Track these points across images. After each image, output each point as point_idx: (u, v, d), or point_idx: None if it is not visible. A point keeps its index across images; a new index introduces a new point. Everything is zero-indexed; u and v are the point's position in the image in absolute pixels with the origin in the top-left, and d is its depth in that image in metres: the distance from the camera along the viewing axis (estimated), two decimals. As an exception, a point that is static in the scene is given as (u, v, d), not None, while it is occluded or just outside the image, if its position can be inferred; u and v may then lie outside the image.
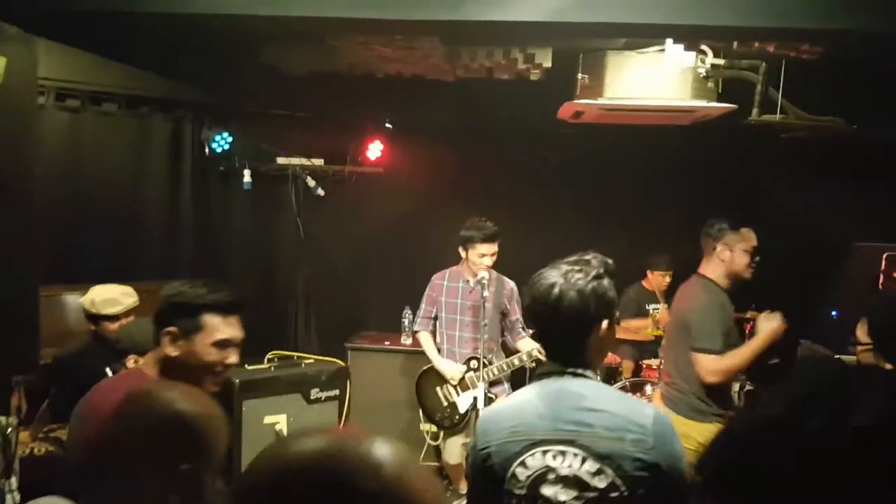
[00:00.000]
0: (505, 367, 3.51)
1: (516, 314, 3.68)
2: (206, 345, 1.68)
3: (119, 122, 4.44)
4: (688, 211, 5.55)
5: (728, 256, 2.94)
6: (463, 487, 4.03)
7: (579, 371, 1.54)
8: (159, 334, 1.68)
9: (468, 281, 3.62)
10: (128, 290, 3.50)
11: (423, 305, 3.80)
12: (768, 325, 2.79)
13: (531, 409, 1.54)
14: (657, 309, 5.15)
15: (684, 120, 4.87)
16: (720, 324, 2.77)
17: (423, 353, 4.37)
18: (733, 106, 3.91)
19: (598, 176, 5.37)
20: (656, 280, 5.08)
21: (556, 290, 1.54)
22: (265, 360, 4.28)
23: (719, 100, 3.93)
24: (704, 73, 3.70)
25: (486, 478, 1.56)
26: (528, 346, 3.58)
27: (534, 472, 1.49)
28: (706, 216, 5.64)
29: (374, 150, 5.19)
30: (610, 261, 1.65)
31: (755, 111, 4.17)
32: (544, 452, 1.49)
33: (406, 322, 4.51)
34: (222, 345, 1.70)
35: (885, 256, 4.41)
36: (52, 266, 4.06)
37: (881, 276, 4.29)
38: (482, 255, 3.48)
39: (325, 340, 5.08)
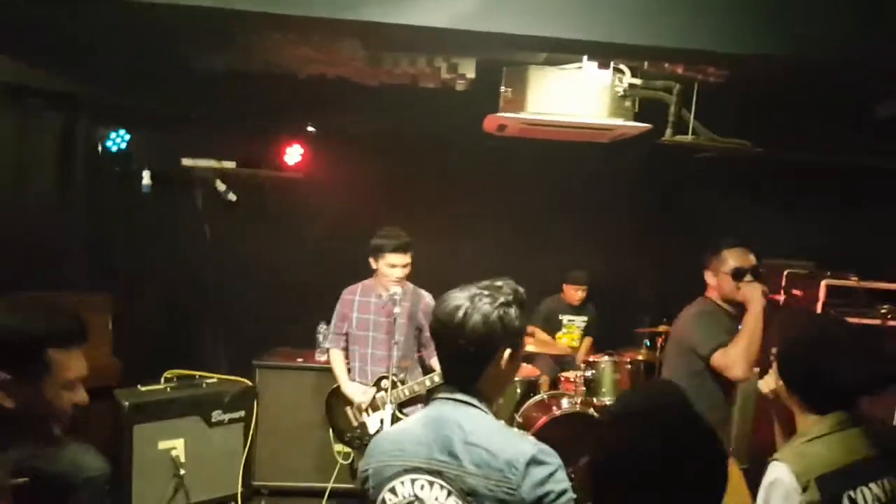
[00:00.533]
0: (416, 388, 3.38)
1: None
2: (55, 388, 1.40)
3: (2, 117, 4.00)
4: (605, 226, 5.65)
5: (714, 282, 2.93)
6: None
7: (467, 399, 1.50)
8: None
9: (381, 295, 3.48)
10: None
11: (333, 321, 3.64)
12: (754, 290, 2.73)
13: (412, 434, 1.52)
14: (573, 321, 5.22)
15: (604, 137, 4.93)
16: (717, 325, 2.77)
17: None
18: (648, 126, 3.97)
19: (521, 189, 5.35)
20: (570, 294, 5.18)
21: (461, 312, 1.50)
22: (162, 379, 3.96)
23: (636, 119, 3.98)
24: (622, 92, 3.74)
25: (365, 500, 1.58)
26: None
27: (401, 500, 1.48)
28: (623, 231, 5.84)
29: (293, 154, 4.95)
30: (521, 290, 1.60)
31: (668, 131, 4.25)
32: (413, 481, 1.47)
33: (320, 338, 4.30)
34: (71, 385, 1.44)
35: (785, 273, 4.56)
36: None
37: (781, 293, 4.42)
38: (392, 266, 3.35)
39: (235, 358, 4.77)
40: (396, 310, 3.16)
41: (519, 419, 4.58)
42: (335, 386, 3.60)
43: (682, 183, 5.51)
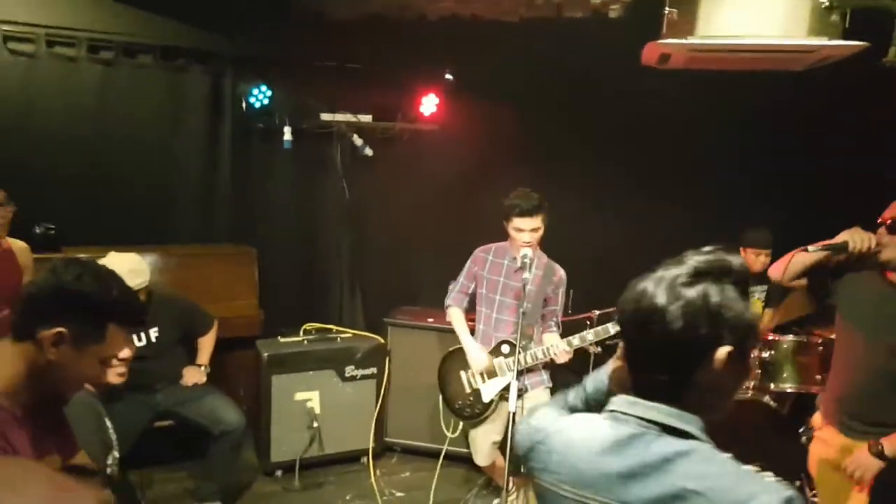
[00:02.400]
0: (540, 356, 3.16)
1: (556, 304, 3.33)
2: (99, 358, 1.38)
3: (154, 75, 4.29)
4: (796, 176, 4.88)
5: None
6: (501, 480, 3.72)
7: (670, 422, 1.10)
8: (31, 327, 1.32)
9: (514, 258, 3.26)
10: (138, 257, 3.35)
11: (460, 279, 3.48)
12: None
13: (589, 458, 1.14)
14: (753, 291, 4.54)
15: (797, 64, 4.18)
16: None
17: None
18: (865, 44, 3.25)
19: (688, 135, 4.77)
20: (750, 260, 4.42)
21: (648, 297, 1.11)
22: (300, 332, 4.11)
23: (846, 37, 3.28)
24: (827, 3, 3.05)
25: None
26: (551, 341, 3.24)
27: None
28: (820, 182, 4.99)
29: (429, 104, 4.82)
30: (738, 261, 1.15)
31: (893, 50, 3.49)
32: None
33: (453, 297, 4.19)
34: (110, 363, 1.42)
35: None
36: (77, 229, 4.03)
37: None
38: (519, 231, 3.13)
39: (370, 313, 4.86)
40: (526, 275, 2.93)
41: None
42: (452, 348, 3.45)
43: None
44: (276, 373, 3.85)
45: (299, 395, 3.91)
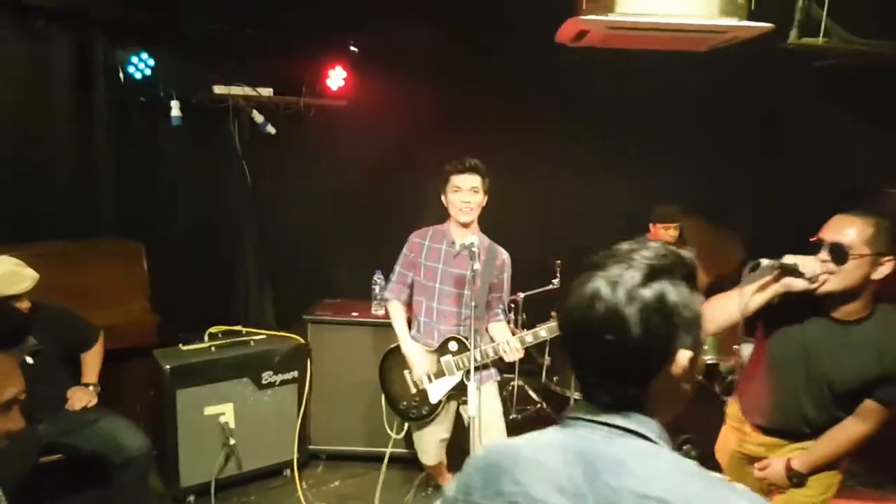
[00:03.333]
0: (490, 353, 2.94)
1: (501, 290, 3.11)
2: None
3: (5, 42, 3.55)
4: (702, 153, 5.00)
5: None
6: (448, 482, 3.51)
7: (631, 426, 1.02)
8: None
9: (453, 243, 3.03)
10: (17, 260, 2.75)
11: (397, 268, 3.17)
12: None
13: (547, 469, 1.02)
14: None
15: (704, 44, 4.28)
16: None
17: (397, 326, 3.78)
18: (768, 26, 3.33)
19: (601, 112, 4.71)
20: (659, 235, 4.51)
21: (602, 300, 1.01)
22: (205, 337, 3.62)
23: (751, 18, 3.35)
24: None
25: None
26: (500, 334, 3.05)
27: None
28: (723, 159, 5.16)
29: (336, 77, 4.42)
30: (688, 255, 1.06)
31: (794, 33, 3.60)
32: None
33: (377, 289, 3.87)
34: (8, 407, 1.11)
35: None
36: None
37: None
38: (457, 190, 2.90)
39: (283, 312, 4.41)
40: (476, 266, 2.67)
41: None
42: (393, 346, 3.17)
43: (797, 101, 4.75)
44: (181, 386, 3.35)
45: (210, 410, 3.44)
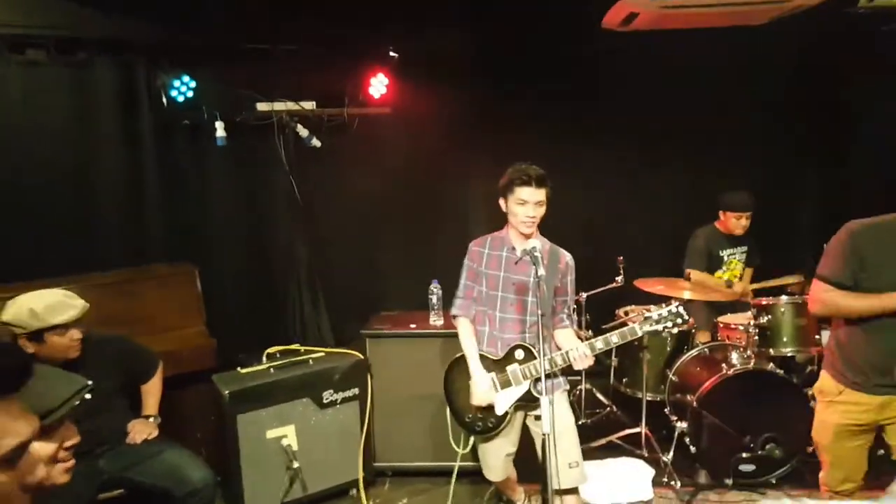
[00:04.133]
0: (558, 361, 2.76)
1: (565, 294, 2.94)
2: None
3: (49, 73, 3.56)
4: (769, 135, 4.70)
5: None
6: (519, 497, 3.31)
7: None
8: None
9: (514, 249, 2.87)
10: (67, 291, 2.71)
11: (462, 281, 3.01)
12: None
13: None
14: (733, 254, 4.34)
15: (763, 17, 4.00)
16: None
17: (456, 337, 3.61)
18: None
19: (657, 98, 4.48)
20: (730, 223, 4.25)
21: None
22: (263, 358, 3.53)
23: None
24: None
25: None
26: (567, 341, 2.87)
27: None
28: (792, 136, 4.83)
29: (378, 85, 4.30)
30: None
31: None
32: None
33: (434, 298, 3.74)
34: (12, 458, 0.97)
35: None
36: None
37: None
38: (522, 203, 2.74)
39: (338, 328, 4.31)
40: (540, 271, 2.50)
41: (674, 378, 3.90)
42: (457, 355, 3.02)
43: (866, 71, 4.40)
44: (242, 411, 3.27)
45: (272, 433, 3.35)
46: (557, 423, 2.69)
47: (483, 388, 2.84)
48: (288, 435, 3.38)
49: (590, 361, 2.75)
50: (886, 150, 4.34)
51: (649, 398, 3.96)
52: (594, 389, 4.50)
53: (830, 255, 2.44)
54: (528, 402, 2.84)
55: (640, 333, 2.75)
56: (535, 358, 2.78)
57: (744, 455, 3.52)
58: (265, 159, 4.22)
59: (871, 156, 4.48)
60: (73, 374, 1.52)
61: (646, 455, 3.86)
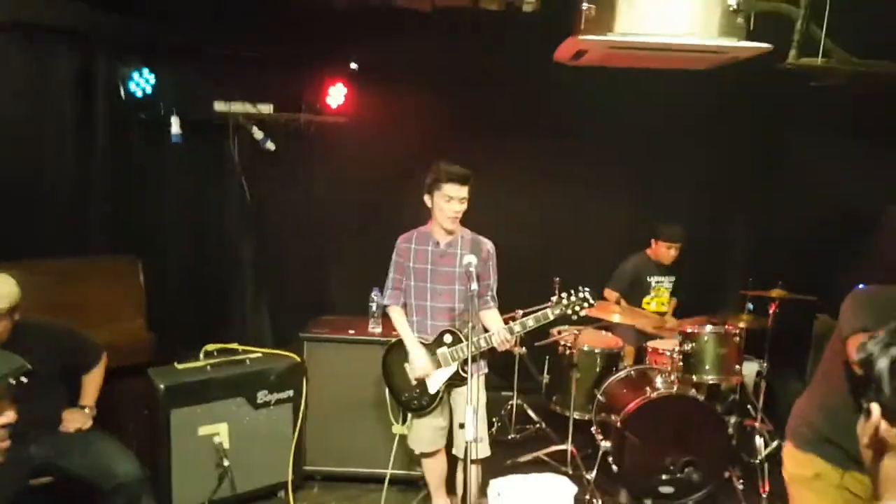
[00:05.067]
0: (482, 343, 3.05)
1: (489, 278, 3.23)
2: None
3: (8, 57, 3.56)
4: (700, 172, 5.00)
5: None
6: (440, 499, 3.44)
7: None
8: None
9: (438, 243, 3.15)
10: (2, 275, 2.72)
11: (391, 274, 3.29)
12: None
13: None
14: (661, 282, 4.61)
15: (703, 63, 4.27)
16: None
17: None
18: (767, 46, 3.36)
19: (601, 129, 4.73)
20: (661, 252, 4.52)
21: None
22: (201, 355, 3.58)
23: (749, 39, 3.38)
24: (735, 6, 3.17)
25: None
26: (493, 321, 3.18)
27: None
28: (725, 177, 5.15)
29: (337, 94, 4.43)
30: None
31: (793, 53, 3.61)
32: None
33: (374, 306, 3.85)
34: None
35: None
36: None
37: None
38: (448, 199, 3.01)
39: (279, 329, 4.38)
40: (473, 286, 2.74)
41: (601, 398, 4.10)
42: (393, 341, 3.28)
43: (794, 121, 4.75)
44: (176, 406, 3.31)
45: (204, 430, 3.39)
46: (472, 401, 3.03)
47: (420, 362, 3.12)
48: (220, 433, 3.43)
49: (509, 344, 3.05)
50: (810, 200, 4.66)
51: (577, 416, 4.13)
52: (525, 405, 4.66)
53: (851, 311, 2.12)
54: (456, 381, 3.13)
55: (552, 317, 3.06)
56: (461, 341, 3.07)
57: (663, 477, 3.70)
58: (218, 159, 4.28)
59: (796, 204, 4.81)
60: (13, 354, 1.58)
61: (570, 472, 4.02)
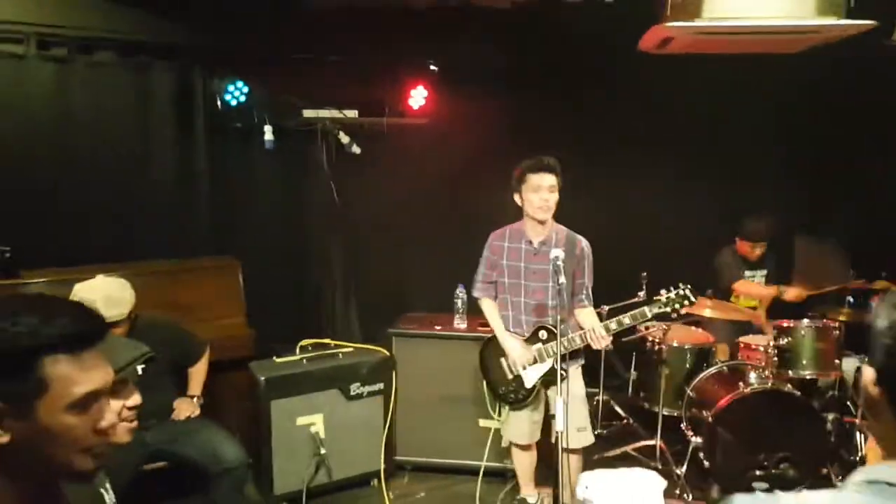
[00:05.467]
0: (577, 341, 3.06)
1: (583, 277, 3.22)
2: (59, 414, 1.01)
3: (114, 73, 3.89)
4: (796, 163, 4.79)
5: None
6: (528, 490, 3.49)
7: None
8: None
9: (531, 242, 3.16)
10: (122, 281, 2.97)
11: (481, 269, 3.34)
12: None
13: None
14: (752, 276, 4.46)
15: (800, 45, 4.09)
16: None
17: (479, 340, 3.81)
18: (871, 23, 3.17)
19: (688, 120, 4.62)
20: (745, 249, 4.37)
21: None
22: (297, 349, 3.77)
23: (850, 16, 3.21)
24: None
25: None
26: (587, 319, 3.17)
27: None
28: (819, 166, 4.92)
29: (417, 97, 4.54)
30: None
31: None
32: None
33: (460, 302, 3.93)
34: (86, 403, 1.03)
35: None
36: (37, 250, 3.61)
37: None
38: (537, 189, 3.00)
39: (366, 325, 4.56)
40: (561, 280, 2.76)
41: (692, 394, 4.02)
42: (489, 336, 3.36)
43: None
44: (276, 397, 3.51)
45: (301, 420, 3.58)
46: (572, 390, 3.09)
47: (518, 352, 3.17)
48: (316, 423, 3.61)
49: (606, 342, 3.02)
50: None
51: (666, 413, 4.07)
52: (612, 401, 4.63)
53: None
54: (551, 376, 3.13)
55: (649, 316, 3.02)
56: (556, 338, 3.00)
57: (757, 473, 3.62)
58: (308, 163, 4.48)
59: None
60: (138, 342, 1.75)
61: (659, 467, 3.97)
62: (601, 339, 3.00)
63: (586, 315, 3.19)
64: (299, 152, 4.46)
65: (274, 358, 3.70)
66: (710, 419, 3.94)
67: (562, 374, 2.99)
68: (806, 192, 4.85)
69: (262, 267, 4.34)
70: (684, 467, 3.85)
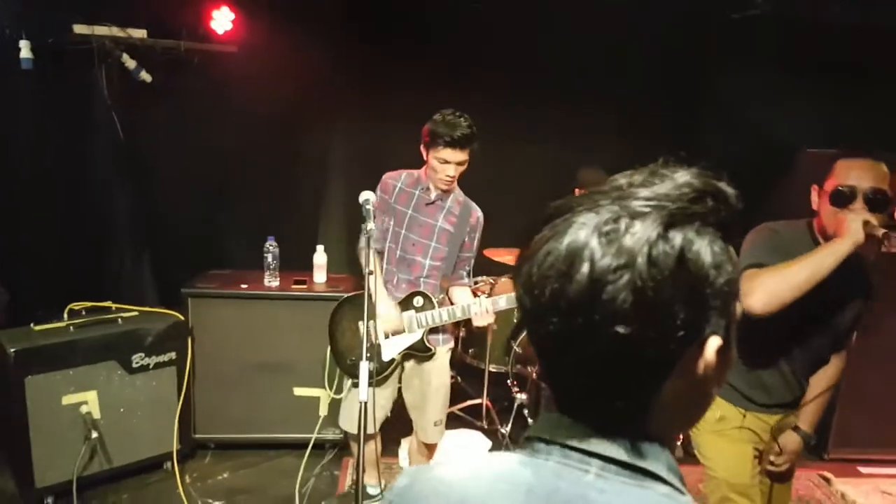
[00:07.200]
0: (458, 314, 2.76)
1: (471, 251, 2.95)
2: None
3: None
4: (623, 115, 4.86)
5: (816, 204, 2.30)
6: (371, 479, 3.25)
7: (637, 463, 0.67)
8: None
9: (428, 190, 2.82)
10: None
11: (372, 212, 2.89)
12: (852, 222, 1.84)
13: None
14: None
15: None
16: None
17: (293, 300, 3.49)
18: None
19: (515, 61, 4.47)
20: None
21: (584, 267, 0.63)
22: (64, 315, 3.21)
23: None
24: None
25: None
26: (463, 298, 2.89)
27: None
28: (641, 117, 5.05)
29: (221, 19, 4.00)
30: (727, 190, 0.69)
31: None
32: None
33: (270, 257, 3.56)
34: None
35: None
36: None
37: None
38: (444, 163, 2.69)
39: (163, 286, 4.02)
40: (364, 196, 2.51)
41: (518, 349, 4.00)
42: (348, 294, 2.94)
43: (715, 53, 4.66)
44: (33, 372, 2.96)
45: (68, 399, 3.06)
46: (435, 380, 2.90)
47: (388, 311, 2.78)
48: (89, 401, 3.11)
49: (490, 318, 2.75)
50: (735, 137, 4.63)
51: (493, 369, 4.04)
52: (441, 360, 4.52)
53: (748, 247, 2.05)
54: (417, 351, 2.84)
55: None
56: (433, 307, 2.77)
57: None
58: (82, 90, 3.80)
59: (720, 130, 4.77)
60: None
61: (485, 427, 3.96)
62: (486, 315, 2.71)
63: (463, 294, 2.91)
64: (71, 76, 3.75)
65: (31, 325, 3.12)
66: (534, 375, 3.95)
67: (428, 351, 2.81)
68: (630, 145, 4.96)
69: (24, 218, 3.65)
70: (509, 426, 3.85)
